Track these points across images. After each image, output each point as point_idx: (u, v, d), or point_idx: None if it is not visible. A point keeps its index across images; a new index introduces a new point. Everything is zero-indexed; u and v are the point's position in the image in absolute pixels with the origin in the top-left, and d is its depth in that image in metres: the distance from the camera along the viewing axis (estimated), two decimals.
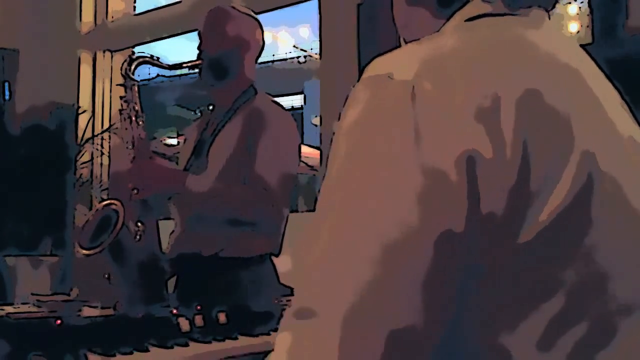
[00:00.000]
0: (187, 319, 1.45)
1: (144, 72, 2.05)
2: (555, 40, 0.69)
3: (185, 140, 2.31)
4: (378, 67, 0.61)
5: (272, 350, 0.58)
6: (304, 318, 0.56)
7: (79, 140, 3.73)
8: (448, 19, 0.70)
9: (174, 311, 1.48)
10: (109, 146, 3.92)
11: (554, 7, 0.73)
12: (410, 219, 0.54)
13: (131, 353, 1.29)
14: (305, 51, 16.52)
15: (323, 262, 0.57)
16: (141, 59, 2.00)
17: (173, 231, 2.14)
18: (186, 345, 1.38)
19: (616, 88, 0.71)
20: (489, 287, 0.56)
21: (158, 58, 2.02)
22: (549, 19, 0.72)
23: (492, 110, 0.56)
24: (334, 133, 0.61)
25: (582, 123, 0.59)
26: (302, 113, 13.98)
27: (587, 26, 2.28)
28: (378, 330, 0.54)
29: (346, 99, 0.62)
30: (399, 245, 0.54)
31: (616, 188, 0.60)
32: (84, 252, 1.72)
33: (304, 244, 0.59)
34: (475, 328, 0.57)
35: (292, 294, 0.61)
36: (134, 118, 1.96)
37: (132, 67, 1.98)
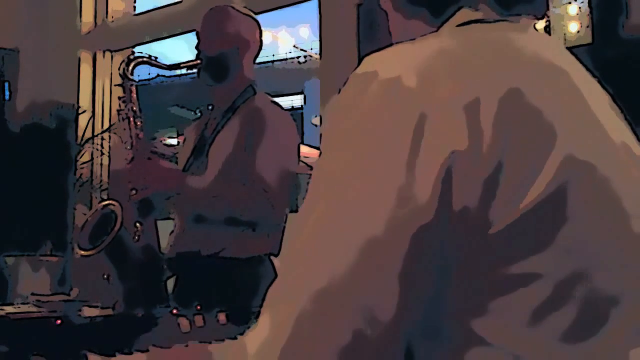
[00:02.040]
0: (187, 319, 1.45)
1: (144, 72, 2.06)
2: (542, 43, 0.71)
3: (184, 140, 2.31)
4: (366, 65, 0.63)
5: None
6: (279, 300, 0.61)
7: (79, 140, 3.73)
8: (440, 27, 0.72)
9: (174, 311, 1.48)
10: (109, 146, 3.92)
11: (543, 16, 0.74)
12: (384, 213, 0.57)
13: (131, 353, 1.29)
14: (305, 51, 16.52)
15: (302, 251, 0.61)
16: (139, 59, 2.00)
17: (172, 231, 2.14)
18: (186, 345, 1.38)
19: (607, 90, 0.72)
20: (464, 276, 0.58)
21: (156, 58, 2.03)
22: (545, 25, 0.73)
23: (473, 107, 0.58)
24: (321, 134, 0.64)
25: (566, 122, 0.61)
26: (302, 113, 13.99)
27: (587, 26, 2.28)
28: (347, 311, 0.57)
29: None
30: (375, 238, 0.57)
31: (601, 185, 0.61)
32: (83, 252, 1.72)
33: (289, 236, 0.63)
34: (451, 315, 0.59)
35: None
36: (132, 118, 1.96)
37: (130, 67, 1.98)
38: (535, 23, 0.72)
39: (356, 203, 0.58)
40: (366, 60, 0.64)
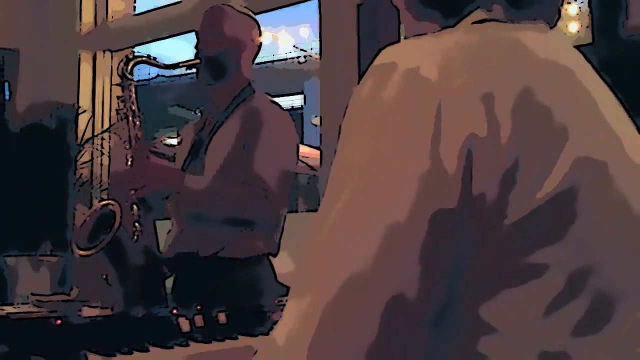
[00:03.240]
0: (187, 319, 1.45)
1: (144, 72, 2.06)
2: (554, 44, 0.71)
3: (181, 140, 2.30)
4: (384, 56, 0.64)
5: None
6: (304, 290, 0.61)
7: (79, 140, 3.72)
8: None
9: (174, 311, 1.48)
10: (109, 146, 3.92)
11: (557, 21, 0.75)
12: (406, 199, 0.58)
13: (131, 353, 1.29)
14: (305, 51, 16.51)
15: (327, 241, 0.61)
16: (138, 59, 2.00)
17: (170, 230, 2.13)
18: (186, 345, 1.38)
19: (613, 91, 0.73)
20: (476, 265, 0.59)
21: (155, 58, 2.03)
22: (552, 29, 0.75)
23: (490, 99, 0.59)
24: (339, 131, 0.65)
25: (577, 122, 0.62)
26: (302, 113, 13.99)
27: (587, 26, 2.28)
28: (375, 297, 0.58)
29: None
30: (399, 224, 0.58)
31: (610, 183, 0.62)
32: (81, 252, 1.72)
33: (314, 226, 0.63)
34: (463, 303, 0.60)
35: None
36: (130, 118, 1.96)
37: (129, 66, 1.98)
38: (548, 28, 0.73)
39: (379, 191, 0.60)
40: (384, 52, 0.65)
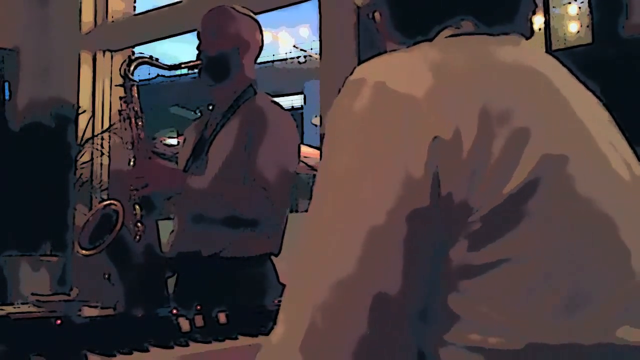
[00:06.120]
0: (187, 319, 1.45)
1: (144, 72, 2.05)
2: (525, 51, 0.76)
3: (184, 140, 2.31)
4: (357, 73, 0.70)
5: None
6: (294, 296, 0.66)
7: (79, 140, 3.72)
8: None
9: (174, 311, 1.48)
10: (109, 146, 3.92)
11: (530, 36, 0.80)
12: (383, 202, 0.62)
13: (131, 353, 1.29)
14: (305, 51, 16.53)
15: (313, 249, 0.66)
16: (140, 60, 2.00)
17: (172, 230, 2.14)
18: (186, 345, 1.38)
19: (596, 95, 0.77)
20: (449, 258, 0.63)
21: (157, 59, 2.02)
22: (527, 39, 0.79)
23: (454, 105, 0.63)
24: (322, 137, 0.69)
25: (542, 121, 0.65)
26: (302, 113, 14.00)
27: (587, 26, 2.28)
28: (362, 297, 0.62)
29: None
30: (378, 226, 0.62)
31: (573, 179, 0.64)
32: (84, 252, 1.72)
33: (299, 238, 0.67)
34: (440, 294, 0.64)
35: None
36: (133, 119, 1.96)
37: (131, 67, 1.98)
38: (522, 39, 0.78)
39: (357, 198, 0.64)
40: (357, 69, 0.70)
